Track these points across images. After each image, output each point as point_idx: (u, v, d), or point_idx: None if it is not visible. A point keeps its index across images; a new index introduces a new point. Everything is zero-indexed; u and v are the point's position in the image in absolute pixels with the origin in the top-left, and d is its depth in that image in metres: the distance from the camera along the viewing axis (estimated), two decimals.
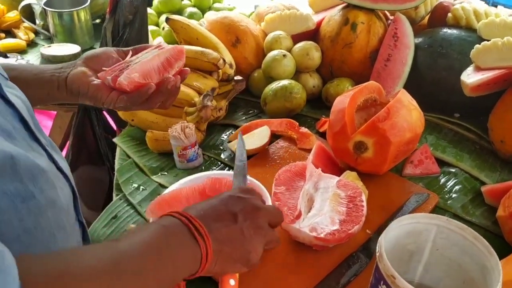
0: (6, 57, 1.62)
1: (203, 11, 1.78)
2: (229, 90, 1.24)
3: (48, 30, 1.77)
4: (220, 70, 1.21)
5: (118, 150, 1.19)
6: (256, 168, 1.04)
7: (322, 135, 1.16)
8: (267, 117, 1.24)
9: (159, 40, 1.58)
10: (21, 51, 1.71)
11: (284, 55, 1.27)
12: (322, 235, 0.78)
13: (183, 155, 1.07)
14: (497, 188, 0.97)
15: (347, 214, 0.82)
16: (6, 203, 0.49)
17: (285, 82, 1.22)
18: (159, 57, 0.79)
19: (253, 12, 1.60)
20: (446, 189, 1.01)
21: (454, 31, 1.24)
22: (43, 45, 1.70)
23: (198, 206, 0.61)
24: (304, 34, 1.36)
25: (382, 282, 0.61)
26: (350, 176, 0.95)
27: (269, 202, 0.84)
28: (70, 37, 1.71)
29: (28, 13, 1.83)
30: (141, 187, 1.05)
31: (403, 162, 1.05)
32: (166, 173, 1.09)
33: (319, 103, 1.30)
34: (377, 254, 0.62)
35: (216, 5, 1.87)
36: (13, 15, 1.82)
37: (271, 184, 0.89)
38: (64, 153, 1.72)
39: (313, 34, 1.38)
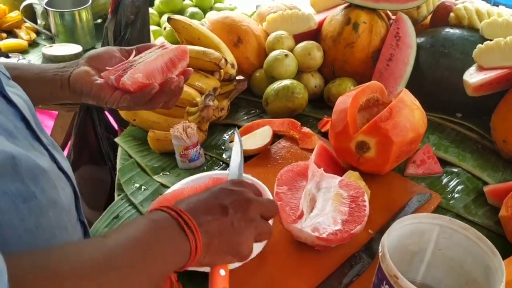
0: (7, 57, 1.63)
1: (205, 11, 1.78)
2: (231, 90, 1.24)
3: (49, 30, 1.77)
4: (222, 70, 1.21)
5: (119, 150, 1.19)
6: (258, 168, 1.04)
7: (324, 135, 1.16)
8: (269, 117, 1.24)
9: (162, 39, 1.58)
10: (23, 51, 1.71)
11: (286, 55, 1.27)
12: (324, 235, 0.78)
13: (185, 155, 1.06)
14: (500, 188, 0.96)
15: (349, 214, 0.82)
16: (7, 203, 0.49)
17: (287, 82, 1.22)
18: (163, 57, 0.78)
19: (255, 12, 1.60)
20: (448, 189, 1.01)
21: (456, 31, 1.23)
22: (45, 45, 1.71)
23: (189, 200, 0.61)
24: (306, 34, 1.36)
25: (384, 282, 0.61)
26: (352, 176, 0.94)
27: None
28: (71, 37, 1.71)
29: (30, 13, 1.83)
30: (143, 187, 1.05)
31: (405, 162, 1.05)
32: (168, 173, 1.09)
33: (321, 103, 1.30)
34: (380, 254, 0.62)
35: (217, 5, 1.86)
36: (14, 15, 1.83)
37: (273, 184, 0.88)
38: (65, 153, 1.72)
39: (315, 34, 1.38)
